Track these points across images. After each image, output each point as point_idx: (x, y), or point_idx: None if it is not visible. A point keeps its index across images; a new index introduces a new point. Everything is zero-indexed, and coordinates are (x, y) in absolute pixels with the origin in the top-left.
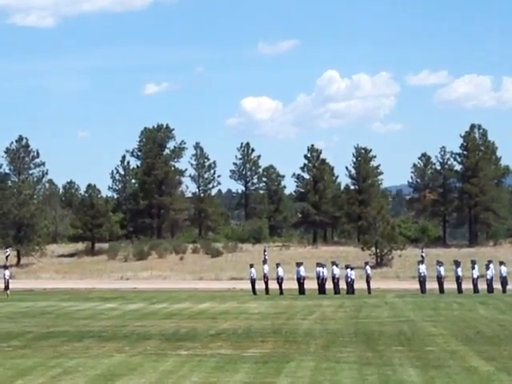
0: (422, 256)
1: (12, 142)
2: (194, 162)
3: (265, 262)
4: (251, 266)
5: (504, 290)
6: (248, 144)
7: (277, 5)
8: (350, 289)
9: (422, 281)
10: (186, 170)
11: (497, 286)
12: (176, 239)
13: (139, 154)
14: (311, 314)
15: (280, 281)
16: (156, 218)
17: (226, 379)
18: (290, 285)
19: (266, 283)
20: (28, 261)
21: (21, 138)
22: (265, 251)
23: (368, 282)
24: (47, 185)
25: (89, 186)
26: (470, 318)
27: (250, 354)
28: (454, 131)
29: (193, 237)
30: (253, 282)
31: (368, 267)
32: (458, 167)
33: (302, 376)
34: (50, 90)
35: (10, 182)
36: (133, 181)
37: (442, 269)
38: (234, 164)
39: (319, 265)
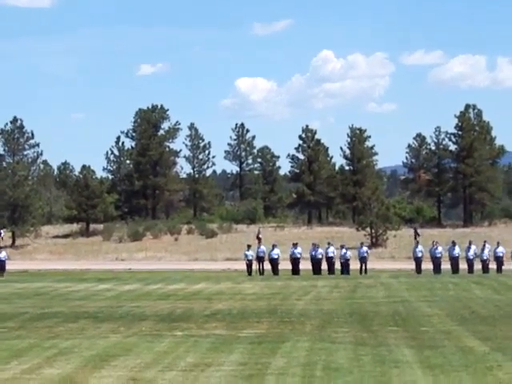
0: (415, 238)
1: (6, 123)
2: (189, 143)
3: (259, 242)
4: (249, 246)
5: (499, 270)
6: (243, 124)
7: None
8: (345, 269)
9: (418, 261)
10: (181, 150)
11: (492, 266)
12: (171, 220)
13: (134, 134)
14: (306, 295)
15: (275, 262)
16: (151, 199)
17: (221, 360)
18: (285, 265)
19: (262, 264)
20: (23, 242)
21: (15, 119)
22: (259, 232)
23: (364, 263)
24: (42, 166)
25: (83, 166)
26: (465, 298)
27: (245, 334)
28: (449, 111)
29: (187, 218)
30: (249, 262)
31: (365, 247)
32: (452, 147)
33: (297, 356)
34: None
35: (4, 163)
36: (127, 162)
37: (439, 249)
38: (229, 145)
39: (314, 245)
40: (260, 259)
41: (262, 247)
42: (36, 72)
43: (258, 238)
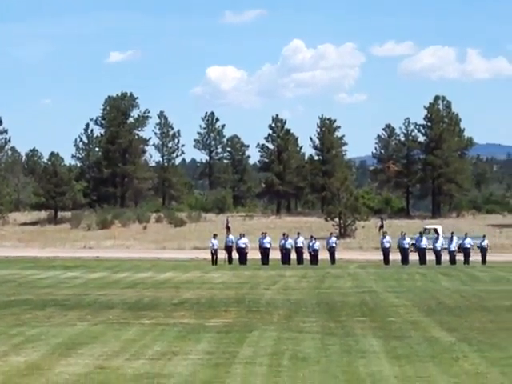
0: (381, 229)
1: None
2: (158, 131)
3: (228, 231)
4: (215, 235)
5: (466, 262)
6: (212, 113)
7: None
8: (314, 259)
9: (386, 252)
10: (150, 138)
11: (460, 257)
12: (139, 208)
13: (103, 122)
14: (274, 284)
15: (243, 251)
16: (119, 187)
17: (189, 348)
18: (254, 255)
19: (230, 253)
20: None
21: None
22: (228, 221)
23: (332, 253)
24: (10, 152)
25: (52, 153)
26: (432, 289)
27: (212, 323)
28: (419, 102)
29: (156, 206)
30: (214, 252)
31: (333, 238)
32: (421, 138)
33: (265, 346)
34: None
35: None
36: (96, 149)
37: (407, 240)
38: (198, 133)
39: (283, 235)
40: (228, 249)
41: (231, 236)
42: (4, 57)
43: (227, 228)
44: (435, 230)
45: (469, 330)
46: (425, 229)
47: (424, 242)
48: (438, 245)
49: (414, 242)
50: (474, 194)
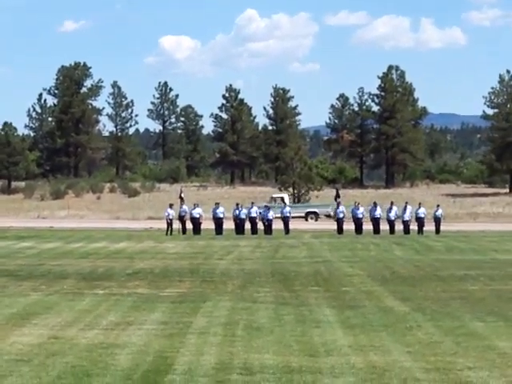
0: (336, 199)
1: None
2: (112, 101)
3: (182, 201)
4: (171, 205)
5: (420, 232)
6: (166, 83)
7: None
8: (268, 229)
9: (340, 221)
10: (104, 108)
11: (413, 227)
12: (93, 178)
13: (56, 92)
14: (228, 254)
15: (197, 221)
16: (73, 157)
17: (143, 318)
18: (208, 225)
19: (183, 223)
20: None
21: None
22: (181, 191)
23: (286, 223)
24: None
25: (5, 123)
26: (386, 258)
27: (166, 293)
28: (372, 72)
29: (110, 176)
30: (169, 221)
31: (287, 207)
32: (375, 108)
33: (219, 316)
34: None
35: None
36: (49, 119)
37: (360, 210)
38: (152, 103)
39: (237, 205)
40: (181, 218)
41: (184, 207)
42: None
43: (181, 198)
44: (282, 199)
45: (423, 300)
46: (271, 198)
47: (378, 212)
48: (392, 214)
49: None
50: (427, 163)
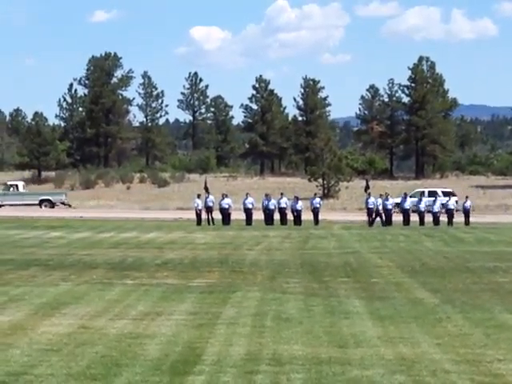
0: (366, 190)
1: None
2: (142, 91)
3: (207, 192)
4: (198, 196)
5: (450, 223)
6: (196, 73)
7: None
8: (298, 220)
9: (370, 213)
10: (134, 99)
11: (443, 218)
12: (123, 168)
13: (87, 82)
14: (258, 245)
15: (226, 211)
16: (103, 147)
17: (172, 309)
18: (238, 215)
19: (211, 214)
20: None
21: None
22: (206, 182)
23: (316, 214)
24: None
25: (36, 113)
26: (415, 250)
27: (196, 283)
28: (403, 63)
29: (140, 166)
30: (199, 212)
31: (317, 198)
32: (405, 99)
33: (248, 306)
34: None
35: None
36: (80, 109)
37: (390, 201)
38: (182, 94)
39: (267, 196)
40: (209, 209)
41: (211, 197)
42: None
43: (206, 188)
44: (16, 187)
45: (452, 292)
46: (6, 184)
47: (408, 203)
48: (422, 206)
49: (398, 202)
50: (457, 155)
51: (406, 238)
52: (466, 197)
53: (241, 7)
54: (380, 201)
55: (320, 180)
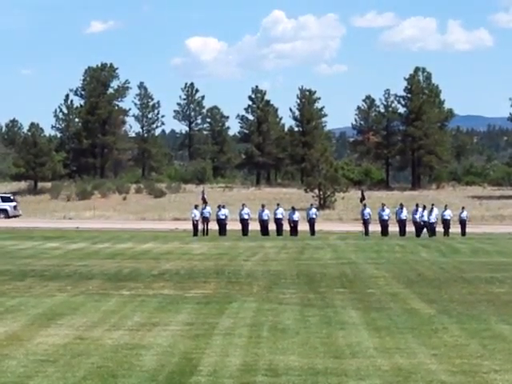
0: (362, 201)
1: None
2: (138, 102)
3: (204, 203)
4: (196, 206)
5: (446, 234)
6: (192, 84)
7: None
8: (294, 230)
9: (366, 223)
10: (130, 109)
11: (439, 229)
12: (119, 179)
13: (83, 92)
14: (254, 256)
15: (222, 222)
16: (99, 158)
17: (169, 319)
18: (233, 226)
19: (207, 224)
20: None
21: None
22: (203, 193)
23: (312, 224)
24: None
25: (32, 124)
26: (411, 260)
27: (192, 294)
28: (399, 74)
29: (136, 177)
30: (196, 222)
31: (314, 209)
32: (401, 110)
33: (244, 317)
34: None
35: None
36: (76, 120)
37: (386, 212)
38: (178, 104)
39: (263, 206)
40: (205, 220)
41: (208, 208)
42: None
43: (203, 199)
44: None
45: (448, 302)
46: None
47: (404, 214)
48: (417, 216)
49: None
50: (454, 165)
51: (402, 248)
52: (463, 207)
53: (237, 18)
54: (426, 213)
55: (316, 190)
